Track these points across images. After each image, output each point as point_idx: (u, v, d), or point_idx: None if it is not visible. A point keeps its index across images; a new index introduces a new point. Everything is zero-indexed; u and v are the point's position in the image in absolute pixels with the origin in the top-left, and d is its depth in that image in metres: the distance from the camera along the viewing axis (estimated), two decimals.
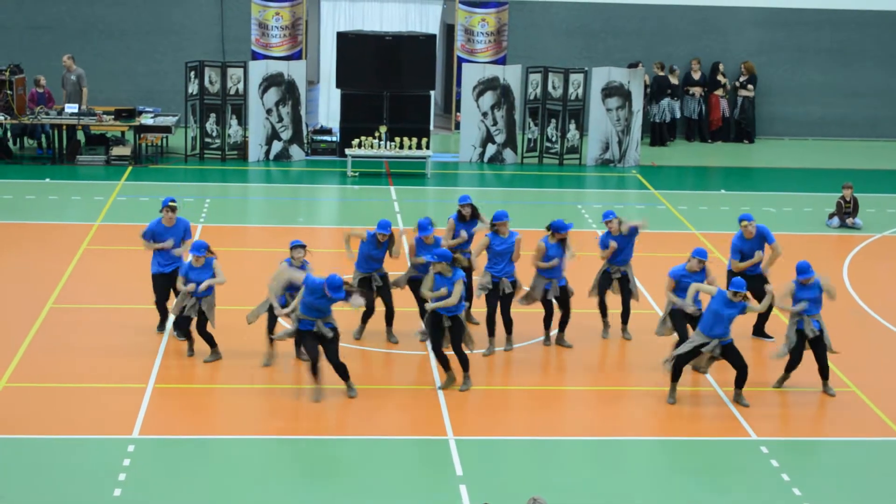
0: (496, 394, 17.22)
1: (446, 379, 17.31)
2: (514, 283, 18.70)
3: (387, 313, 19.03)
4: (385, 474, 15.01)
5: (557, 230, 18.64)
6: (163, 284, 18.66)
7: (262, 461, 15.36)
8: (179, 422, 16.23)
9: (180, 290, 17.78)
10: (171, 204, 18.79)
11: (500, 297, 18.60)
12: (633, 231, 19.15)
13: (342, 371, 16.87)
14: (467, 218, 19.39)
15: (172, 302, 18.35)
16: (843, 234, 25.84)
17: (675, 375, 17.12)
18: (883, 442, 16.34)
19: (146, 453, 15.25)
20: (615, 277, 19.38)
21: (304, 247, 17.65)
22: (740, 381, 17.09)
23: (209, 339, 17.96)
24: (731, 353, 16.93)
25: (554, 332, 19.04)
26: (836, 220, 26.20)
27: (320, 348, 16.67)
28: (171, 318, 18.40)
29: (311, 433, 16.10)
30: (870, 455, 16.05)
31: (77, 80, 30.61)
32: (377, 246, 18.59)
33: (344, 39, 31.07)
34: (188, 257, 18.11)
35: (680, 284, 17.77)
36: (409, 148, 29.82)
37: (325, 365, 16.79)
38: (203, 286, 17.57)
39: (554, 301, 18.82)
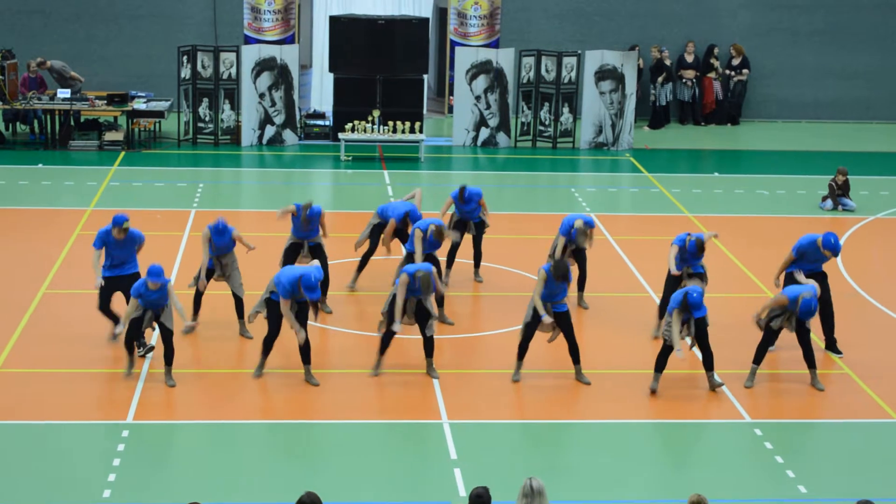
0: (490, 377, 17.22)
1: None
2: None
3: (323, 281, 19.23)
4: (379, 458, 15.03)
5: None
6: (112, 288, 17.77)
7: (256, 445, 15.37)
8: (173, 407, 16.24)
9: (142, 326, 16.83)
10: (124, 225, 17.53)
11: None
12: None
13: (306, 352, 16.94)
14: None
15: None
16: (837, 216, 25.85)
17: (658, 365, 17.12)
18: (876, 424, 16.38)
19: (140, 438, 15.25)
20: (571, 249, 19.49)
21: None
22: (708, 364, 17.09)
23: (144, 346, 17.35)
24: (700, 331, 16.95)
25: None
26: (829, 203, 26.22)
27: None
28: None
29: (304, 417, 16.11)
30: (863, 437, 16.09)
31: (61, 70, 30.50)
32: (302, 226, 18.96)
33: (337, 23, 31.01)
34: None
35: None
36: (403, 132, 29.78)
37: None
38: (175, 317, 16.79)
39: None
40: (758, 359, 17.26)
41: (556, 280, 16.64)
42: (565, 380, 17.22)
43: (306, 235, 19.01)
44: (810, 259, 17.98)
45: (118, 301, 17.60)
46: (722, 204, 26.40)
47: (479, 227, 20.44)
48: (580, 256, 19.58)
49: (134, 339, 16.85)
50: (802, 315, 16.80)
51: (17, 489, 14.00)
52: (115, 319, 17.72)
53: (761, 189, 27.77)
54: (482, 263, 20.86)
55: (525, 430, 15.97)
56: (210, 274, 18.30)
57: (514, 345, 17.26)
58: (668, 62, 34.20)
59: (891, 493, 14.32)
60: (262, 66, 30.30)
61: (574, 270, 19.43)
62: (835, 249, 17.79)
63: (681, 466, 15.20)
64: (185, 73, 30.37)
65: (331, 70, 31.31)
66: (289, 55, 30.62)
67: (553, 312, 16.85)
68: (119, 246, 17.59)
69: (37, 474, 14.33)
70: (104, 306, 17.79)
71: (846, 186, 26.26)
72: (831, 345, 18.40)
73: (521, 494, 11.16)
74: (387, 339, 17.11)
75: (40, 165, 28.13)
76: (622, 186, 28.50)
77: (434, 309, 17.20)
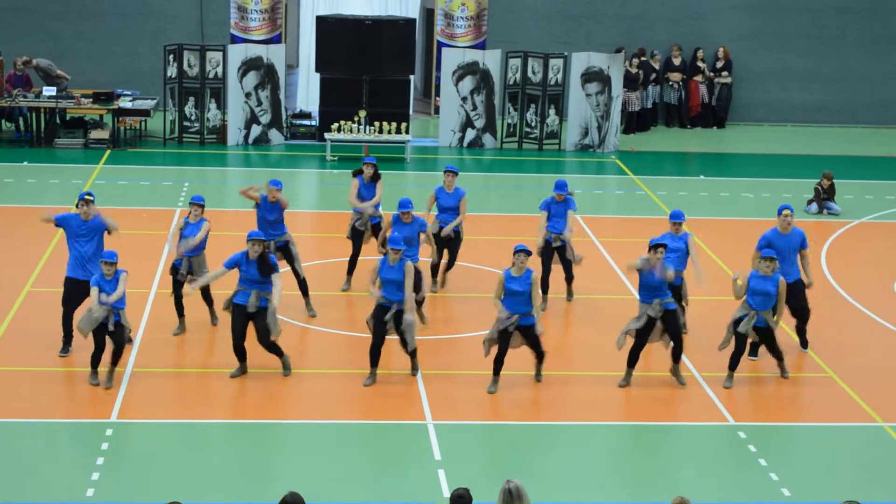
0: (475, 378, 17.21)
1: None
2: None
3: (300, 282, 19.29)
4: (363, 458, 15.02)
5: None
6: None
7: (239, 445, 15.36)
8: (158, 406, 16.20)
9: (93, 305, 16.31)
10: (86, 197, 17.50)
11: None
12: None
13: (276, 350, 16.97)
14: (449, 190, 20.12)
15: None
16: (822, 220, 25.91)
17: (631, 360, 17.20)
18: (860, 427, 16.41)
19: (125, 437, 15.23)
20: (555, 246, 19.52)
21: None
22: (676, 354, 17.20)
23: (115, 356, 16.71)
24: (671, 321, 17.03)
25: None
26: (814, 206, 26.27)
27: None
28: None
29: (288, 417, 16.10)
30: (847, 440, 16.12)
31: (46, 69, 30.42)
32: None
33: (323, 23, 30.99)
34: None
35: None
36: (389, 132, 29.77)
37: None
38: (112, 298, 16.30)
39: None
40: (733, 365, 17.31)
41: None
42: (549, 382, 17.21)
43: (272, 235, 18.87)
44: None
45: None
46: (707, 206, 26.42)
47: (457, 241, 20.33)
48: (563, 256, 19.67)
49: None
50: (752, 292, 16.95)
51: (1, 487, 13.95)
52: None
53: (746, 192, 27.82)
54: (461, 264, 20.85)
55: (509, 431, 15.96)
56: (175, 271, 18.26)
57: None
58: (656, 66, 34.24)
59: (874, 497, 14.35)
60: (249, 65, 30.27)
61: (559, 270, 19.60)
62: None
63: (665, 469, 15.21)
64: (172, 71, 30.33)
65: (317, 70, 31.29)
66: (275, 55, 30.60)
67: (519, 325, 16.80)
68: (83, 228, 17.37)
69: (20, 472, 14.29)
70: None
71: (832, 190, 26.32)
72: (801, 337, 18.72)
73: (500, 496, 11.16)
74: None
75: (25, 163, 28.07)
76: (608, 188, 28.51)
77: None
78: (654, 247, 16.86)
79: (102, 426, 15.42)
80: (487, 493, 12.96)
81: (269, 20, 33.14)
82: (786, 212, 18.13)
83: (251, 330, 16.80)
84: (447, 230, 19.92)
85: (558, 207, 19.65)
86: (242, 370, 16.95)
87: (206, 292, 18.43)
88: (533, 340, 16.87)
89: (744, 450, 15.55)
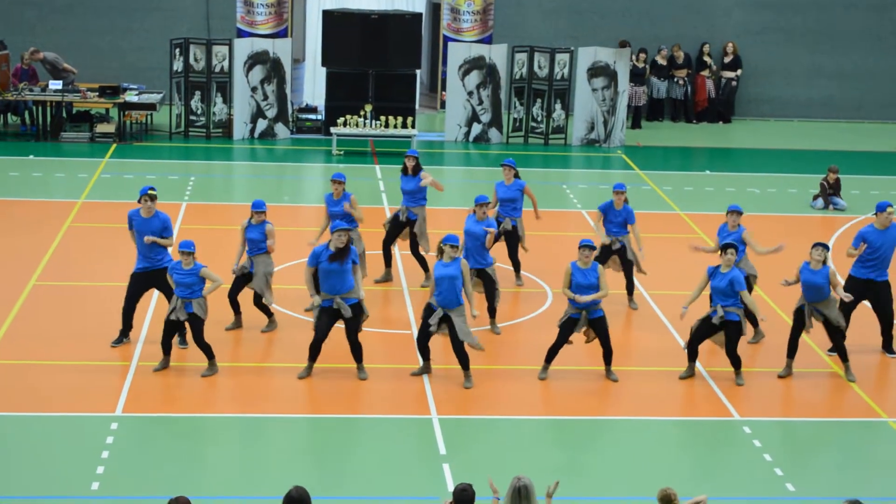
0: (480, 373, 17.21)
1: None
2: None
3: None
4: (368, 453, 15.02)
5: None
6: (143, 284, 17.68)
7: (244, 440, 15.37)
8: (163, 400, 16.22)
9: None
10: (150, 192, 17.55)
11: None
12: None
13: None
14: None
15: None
16: (828, 215, 25.87)
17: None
18: (866, 423, 16.39)
19: (129, 431, 15.24)
20: (614, 249, 19.51)
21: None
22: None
23: (206, 349, 16.89)
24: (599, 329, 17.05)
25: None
26: (820, 202, 26.24)
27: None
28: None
29: (293, 412, 16.10)
30: (852, 436, 16.11)
31: (54, 62, 30.42)
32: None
33: (330, 17, 30.97)
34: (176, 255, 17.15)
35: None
36: (395, 127, 29.76)
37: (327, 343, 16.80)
38: (206, 290, 16.59)
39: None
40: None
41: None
42: (554, 378, 17.21)
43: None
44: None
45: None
46: (713, 202, 26.38)
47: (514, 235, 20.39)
48: (625, 261, 19.76)
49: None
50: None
51: (6, 481, 13.97)
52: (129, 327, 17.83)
53: (752, 187, 27.79)
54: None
55: (515, 426, 15.96)
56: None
57: (502, 341, 17.19)
58: (662, 61, 34.21)
59: (879, 493, 14.35)
60: (255, 59, 30.27)
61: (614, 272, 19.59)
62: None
63: (670, 463, 15.20)
64: (178, 65, 30.33)
65: (323, 64, 31.26)
66: (281, 49, 30.59)
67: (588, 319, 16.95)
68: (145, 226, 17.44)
69: (26, 466, 14.30)
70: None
71: (837, 185, 26.29)
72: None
73: (509, 493, 11.15)
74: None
75: (31, 157, 28.08)
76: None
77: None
78: (724, 247, 17.02)
79: (107, 420, 15.43)
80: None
81: (275, 14, 33.15)
82: (890, 209, 18.06)
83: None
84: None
85: (616, 214, 19.63)
86: (309, 370, 16.98)
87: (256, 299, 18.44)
88: (601, 334, 16.98)
89: (749, 445, 15.54)
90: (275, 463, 14.67)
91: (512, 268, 20.53)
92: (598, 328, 16.95)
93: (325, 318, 16.68)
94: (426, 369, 17.07)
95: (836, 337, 17.36)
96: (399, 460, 14.93)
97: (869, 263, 18.07)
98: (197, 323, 16.58)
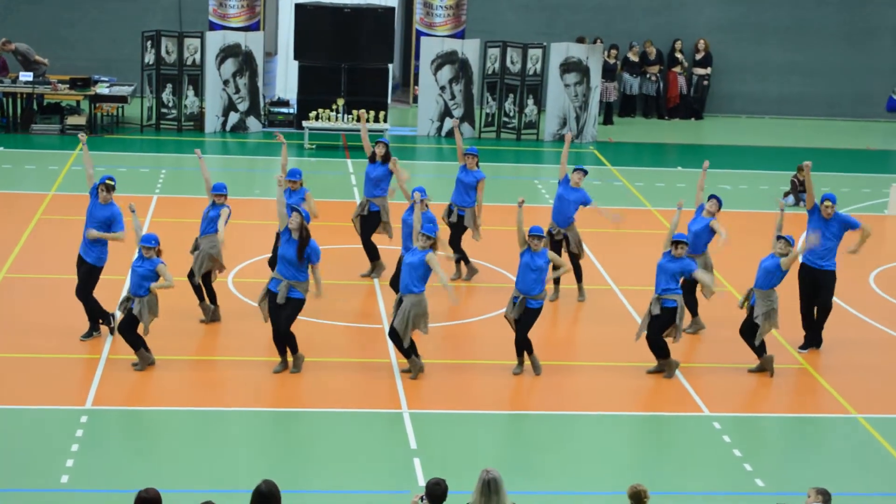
0: (451, 367, 17.22)
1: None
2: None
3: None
4: (338, 447, 15.00)
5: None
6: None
7: (215, 434, 15.33)
8: (133, 393, 16.17)
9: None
10: (107, 182, 17.60)
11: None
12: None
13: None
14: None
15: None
16: (799, 212, 25.91)
17: None
18: (834, 418, 16.46)
19: (99, 424, 15.19)
20: (557, 239, 19.57)
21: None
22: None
23: (135, 342, 16.66)
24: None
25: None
26: (791, 199, 26.33)
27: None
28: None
29: (264, 406, 16.08)
30: (821, 431, 16.20)
31: (25, 53, 30.22)
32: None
33: (302, 11, 30.93)
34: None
35: None
36: (367, 121, 29.69)
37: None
38: (155, 285, 16.36)
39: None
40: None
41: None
42: (526, 372, 17.21)
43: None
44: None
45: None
46: (684, 198, 26.40)
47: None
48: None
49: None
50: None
51: None
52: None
53: (724, 184, 27.84)
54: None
55: (485, 420, 15.97)
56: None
57: (475, 335, 17.20)
58: (634, 57, 34.26)
59: (847, 487, 14.39)
60: (227, 52, 30.19)
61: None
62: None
63: (639, 459, 15.24)
64: (149, 58, 30.23)
65: (296, 58, 31.22)
66: (254, 42, 30.52)
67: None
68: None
69: None
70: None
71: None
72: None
73: (478, 487, 11.13)
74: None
75: (1, 149, 27.94)
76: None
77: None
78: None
79: (77, 413, 15.37)
80: (462, 481, 12.95)
81: (247, 7, 33.05)
82: (827, 202, 18.37)
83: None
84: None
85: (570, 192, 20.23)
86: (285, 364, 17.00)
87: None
88: (524, 324, 16.97)
89: (718, 440, 15.59)
90: (245, 457, 14.64)
91: (454, 256, 20.45)
92: (526, 317, 16.88)
93: (271, 303, 16.62)
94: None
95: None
96: (370, 454, 14.91)
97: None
98: (135, 322, 16.48)
